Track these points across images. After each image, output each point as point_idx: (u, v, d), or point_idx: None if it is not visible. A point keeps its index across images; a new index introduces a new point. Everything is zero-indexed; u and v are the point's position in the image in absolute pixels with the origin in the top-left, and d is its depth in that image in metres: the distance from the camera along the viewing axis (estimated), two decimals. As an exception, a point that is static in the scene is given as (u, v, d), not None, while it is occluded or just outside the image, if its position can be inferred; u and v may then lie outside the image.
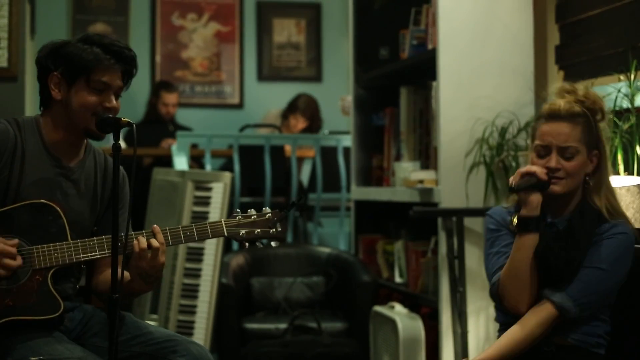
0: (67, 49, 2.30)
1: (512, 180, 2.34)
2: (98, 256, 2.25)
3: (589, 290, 2.27)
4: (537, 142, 2.36)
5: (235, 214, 2.36)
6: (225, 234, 2.32)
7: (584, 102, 2.36)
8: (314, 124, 6.44)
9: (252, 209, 2.38)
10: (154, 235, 2.25)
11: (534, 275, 2.30)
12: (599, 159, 2.37)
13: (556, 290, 2.28)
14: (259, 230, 2.34)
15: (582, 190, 2.38)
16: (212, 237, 2.34)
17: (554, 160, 2.32)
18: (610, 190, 2.40)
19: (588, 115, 2.34)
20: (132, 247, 2.22)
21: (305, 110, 6.48)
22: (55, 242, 2.24)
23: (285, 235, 2.38)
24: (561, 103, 2.35)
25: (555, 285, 2.29)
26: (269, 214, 2.36)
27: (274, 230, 2.35)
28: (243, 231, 2.33)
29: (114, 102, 2.31)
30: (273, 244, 2.36)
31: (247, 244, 2.35)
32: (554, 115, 2.34)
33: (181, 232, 2.30)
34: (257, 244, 2.36)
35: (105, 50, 2.29)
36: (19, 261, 2.17)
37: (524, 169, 2.34)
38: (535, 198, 2.31)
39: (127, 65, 2.32)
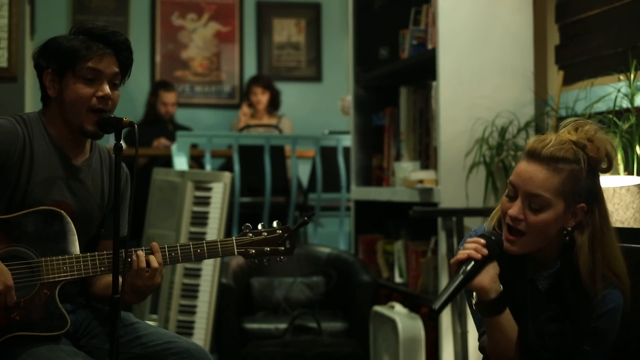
0: (53, 43, 2.24)
1: (435, 305, 1.87)
2: (107, 272, 2.19)
3: None
4: (510, 177, 1.99)
5: (245, 229, 2.31)
6: (235, 253, 2.28)
7: (585, 146, 1.94)
8: (274, 93, 6.55)
9: (262, 224, 2.33)
10: (153, 254, 2.20)
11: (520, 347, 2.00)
12: (588, 214, 1.96)
13: None
14: (268, 248, 2.30)
15: (562, 242, 2.00)
16: (223, 256, 2.30)
17: (515, 208, 1.95)
18: (610, 252, 1.98)
19: (582, 162, 1.93)
20: (130, 265, 2.17)
21: (260, 79, 6.64)
22: (64, 253, 2.18)
23: (293, 252, 2.32)
24: (550, 140, 1.95)
25: None
26: (279, 230, 2.32)
27: (283, 247, 2.31)
28: (253, 250, 2.30)
29: (107, 89, 2.21)
30: (279, 260, 2.32)
31: (256, 261, 2.30)
32: (533, 154, 1.95)
33: (191, 249, 2.25)
34: (265, 260, 2.32)
35: (91, 36, 2.22)
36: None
37: (454, 258, 1.95)
38: (485, 278, 1.93)
39: (116, 48, 2.24)
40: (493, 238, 1.96)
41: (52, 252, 2.18)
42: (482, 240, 1.95)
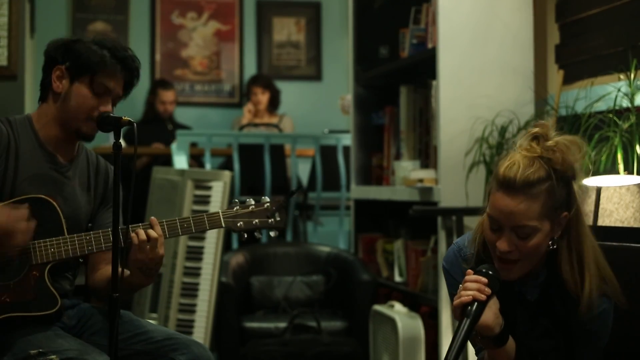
0: (78, 46, 2.32)
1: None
2: (95, 251, 2.25)
3: None
4: (489, 210, 1.94)
5: (233, 204, 2.34)
6: (223, 225, 2.30)
7: (550, 159, 1.90)
8: (274, 92, 6.53)
9: (251, 199, 2.35)
10: (152, 227, 2.24)
11: None
12: (570, 220, 1.94)
13: None
14: (257, 220, 2.32)
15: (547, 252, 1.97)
16: (210, 229, 2.32)
17: (504, 243, 1.91)
18: (590, 252, 1.96)
19: (552, 176, 1.89)
20: (130, 241, 2.20)
21: (260, 79, 6.60)
22: (52, 237, 2.23)
23: (284, 224, 2.34)
24: (518, 164, 1.89)
25: None
26: (268, 204, 2.34)
27: (272, 220, 2.33)
28: (241, 222, 2.31)
29: (110, 107, 2.31)
30: (272, 233, 2.33)
31: (245, 234, 2.32)
32: (507, 185, 1.89)
33: (178, 224, 2.29)
34: (256, 234, 2.33)
35: (113, 55, 2.31)
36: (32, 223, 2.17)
37: (456, 299, 1.89)
38: (489, 316, 1.88)
39: (130, 74, 2.36)
40: (491, 273, 1.92)
41: (40, 237, 2.23)
42: (484, 279, 1.90)
